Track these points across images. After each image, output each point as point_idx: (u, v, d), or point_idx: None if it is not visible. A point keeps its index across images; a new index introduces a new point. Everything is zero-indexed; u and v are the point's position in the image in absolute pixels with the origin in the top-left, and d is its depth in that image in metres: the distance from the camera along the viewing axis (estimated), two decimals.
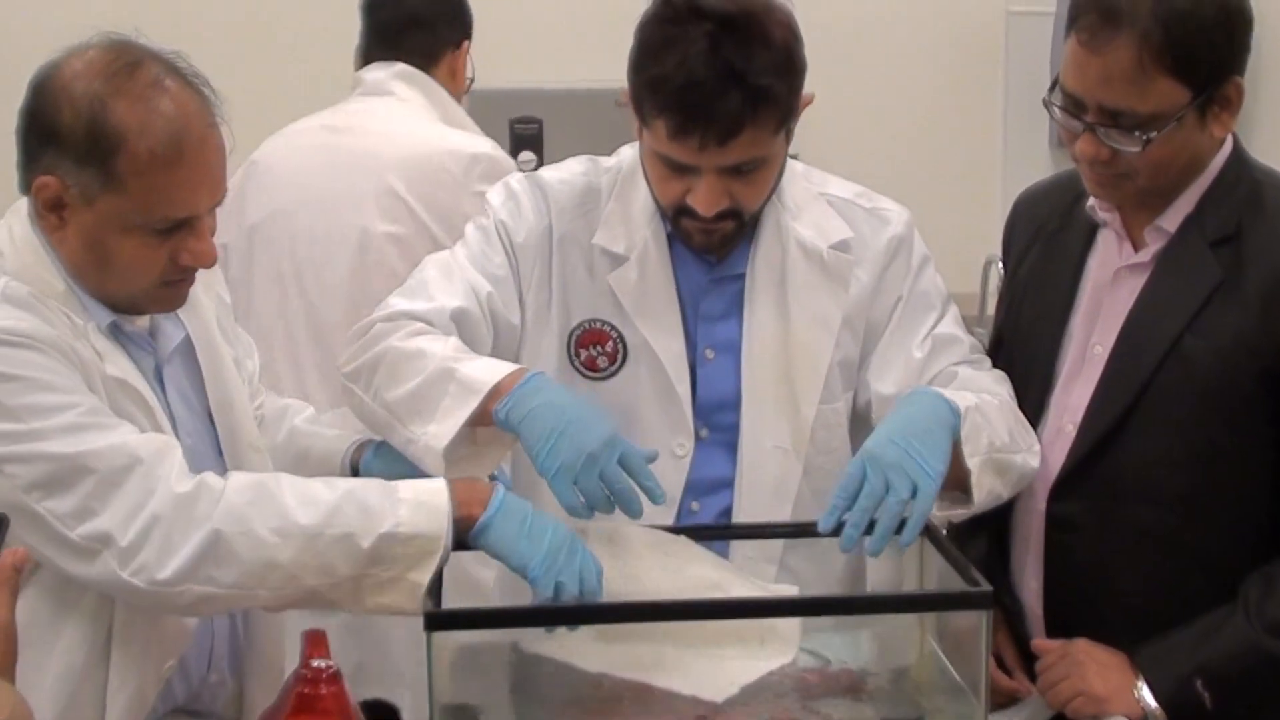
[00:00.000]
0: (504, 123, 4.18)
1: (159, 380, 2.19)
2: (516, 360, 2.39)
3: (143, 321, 2.18)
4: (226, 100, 2.10)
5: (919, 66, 4.60)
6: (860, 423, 2.44)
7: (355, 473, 2.34)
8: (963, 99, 4.71)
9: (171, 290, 2.13)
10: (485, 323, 2.35)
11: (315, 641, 2.12)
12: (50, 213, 2.04)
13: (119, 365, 2.08)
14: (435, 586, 2.02)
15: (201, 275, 2.20)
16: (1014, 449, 2.27)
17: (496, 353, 2.36)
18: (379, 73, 3.46)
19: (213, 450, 2.25)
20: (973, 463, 2.17)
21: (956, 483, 2.19)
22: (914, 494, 2.06)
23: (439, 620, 1.97)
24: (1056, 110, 2.24)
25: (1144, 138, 2.15)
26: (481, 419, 2.15)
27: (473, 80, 3.58)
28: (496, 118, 4.29)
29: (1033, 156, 4.57)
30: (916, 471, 2.08)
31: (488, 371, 2.16)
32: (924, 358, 2.39)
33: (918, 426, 2.14)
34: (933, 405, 2.19)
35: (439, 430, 2.14)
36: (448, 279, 2.35)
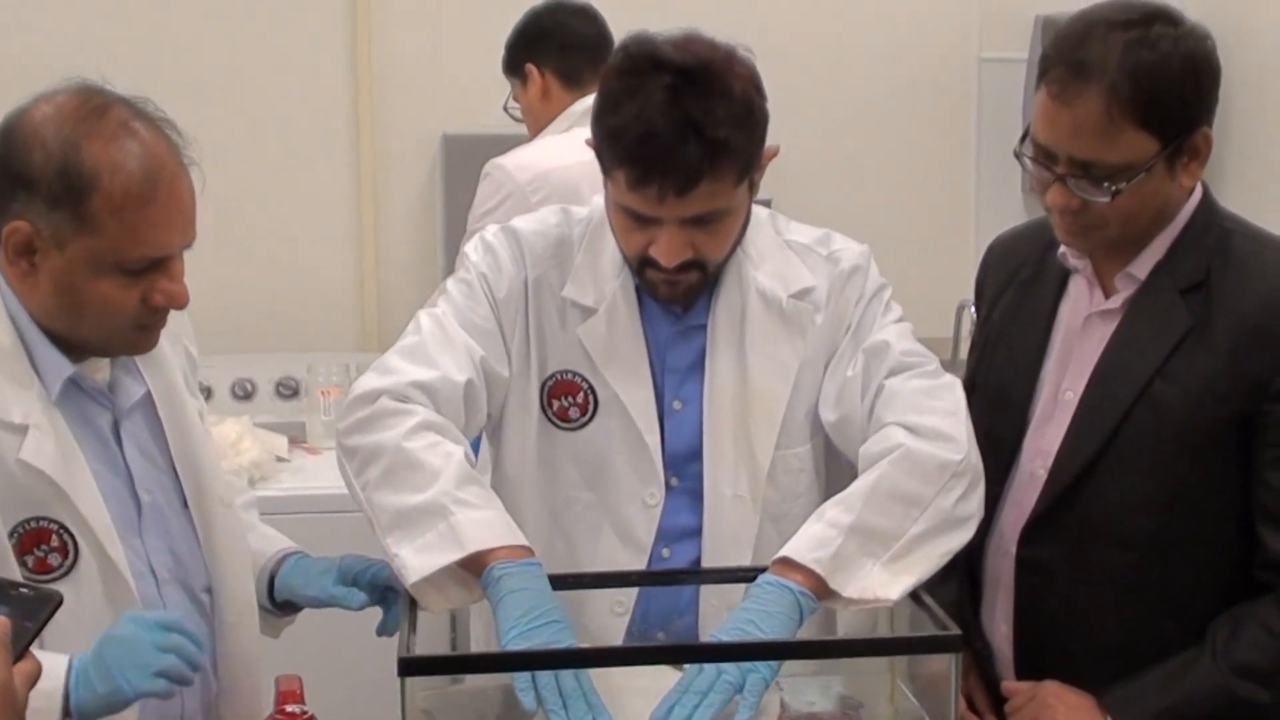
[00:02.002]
0: (478, 167, 4.18)
1: (115, 436, 2.17)
2: (502, 410, 2.41)
3: (102, 375, 2.16)
4: (197, 143, 2.11)
5: (892, 113, 4.62)
6: (833, 456, 2.45)
7: (272, 581, 2.36)
8: (935, 145, 4.73)
9: (143, 334, 2.12)
10: (483, 388, 2.35)
11: (289, 688, 2.13)
12: (20, 258, 2.04)
13: (46, 445, 2.05)
14: (409, 630, 2.03)
15: (168, 329, 2.20)
16: (925, 513, 2.20)
17: (490, 407, 2.38)
18: None
19: (177, 505, 2.24)
20: (866, 596, 2.14)
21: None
22: (743, 684, 2.02)
23: (412, 666, 1.97)
24: (1027, 161, 2.26)
25: (1113, 188, 2.17)
26: (463, 565, 2.12)
27: None
28: (471, 162, 4.30)
29: (1005, 202, 4.60)
30: (749, 670, 2.03)
31: (481, 530, 2.13)
32: (856, 375, 2.36)
33: (755, 624, 2.09)
34: (776, 600, 2.11)
35: (415, 564, 2.12)
36: (448, 343, 2.34)
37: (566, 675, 1.99)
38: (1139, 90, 2.14)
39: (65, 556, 2.07)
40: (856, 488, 2.22)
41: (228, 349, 4.30)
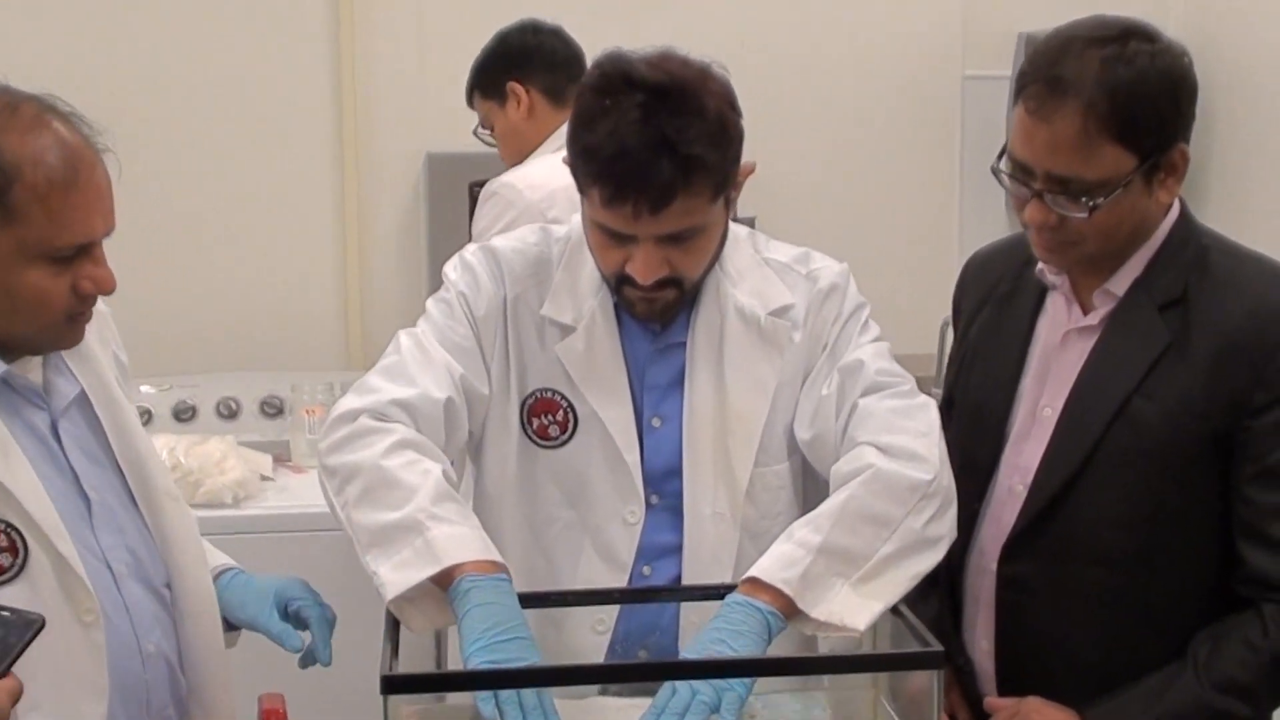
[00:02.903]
0: (463, 186, 4.20)
1: (55, 437, 2.18)
2: (483, 427, 2.41)
3: (35, 376, 2.17)
4: (108, 133, 2.14)
5: (876, 130, 4.63)
6: (811, 474, 2.45)
7: None
8: (918, 162, 4.74)
9: (72, 326, 2.14)
10: (463, 406, 2.35)
11: (273, 705, 2.14)
12: None
13: None
14: (392, 648, 2.03)
15: (96, 332, 2.23)
16: (881, 549, 2.19)
17: (471, 425, 2.38)
18: None
19: (126, 501, 2.25)
20: (834, 619, 2.13)
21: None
22: (719, 702, 2.03)
23: (396, 684, 1.97)
24: (1005, 177, 2.27)
25: (1090, 204, 2.18)
26: (438, 581, 2.13)
27: None
28: (455, 181, 4.32)
29: (988, 219, 4.60)
30: (723, 688, 2.04)
31: (457, 546, 2.13)
32: (831, 394, 2.36)
33: (726, 641, 2.09)
34: (744, 619, 2.11)
35: (392, 580, 2.12)
36: (428, 362, 2.35)
37: (528, 691, 1.99)
38: (1116, 106, 2.15)
39: (15, 555, 2.07)
40: (826, 508, 2.21)
41: (212, 368, 4.30)
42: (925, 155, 4.74)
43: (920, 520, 2.22)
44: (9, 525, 2.07)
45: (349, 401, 2.32)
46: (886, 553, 2.19)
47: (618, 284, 2.32)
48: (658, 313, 2.35)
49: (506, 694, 1.99)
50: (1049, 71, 2.19)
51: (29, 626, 1.76)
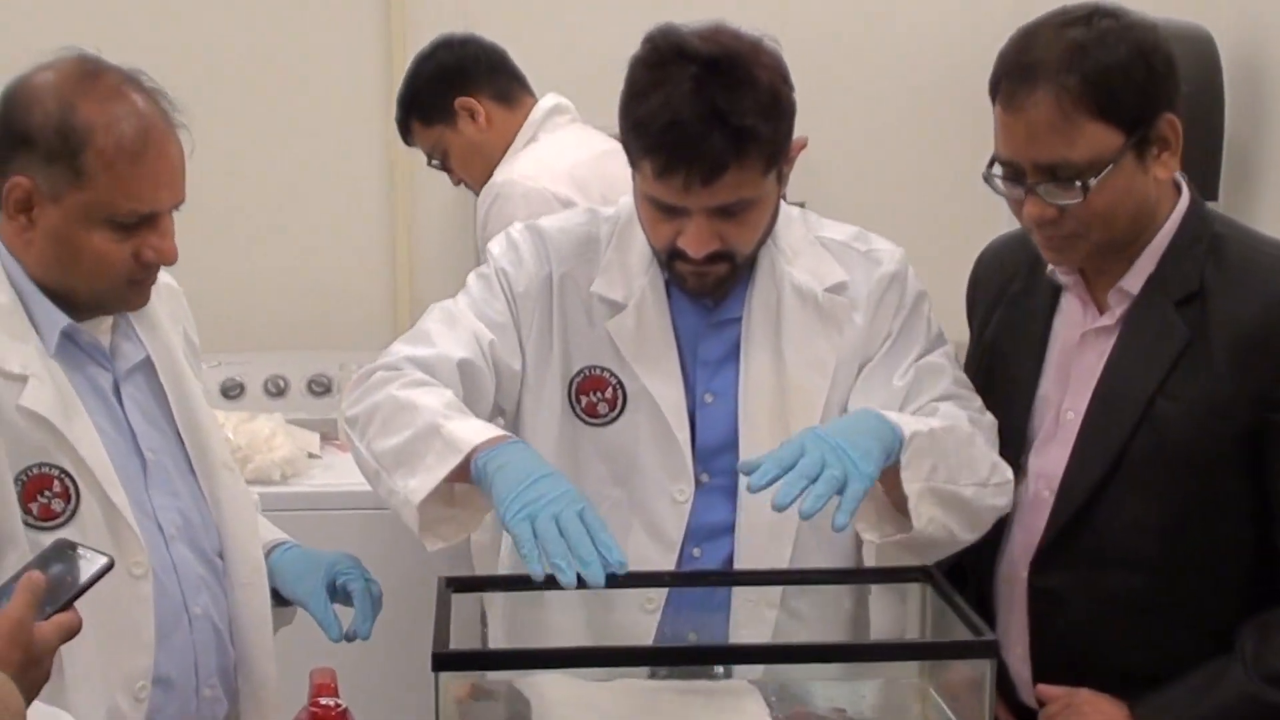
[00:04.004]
0: None
1: (117, 397, 2.23)
2: (519, 407, 2.42)
3: (103, 338, 2.23)
4: (187, 115, 2.22)
5: (923, 114, 4.59)
6: None
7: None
8: (967, 147, 4.69)
9: (135, 289, 2.20)
10: (489, 371, 2.37)
11: (323, 680, 2.15)
12: (20, 213, 2.13)
13: (45, 392, 2.11)
14: (443, 625, 2.04)
15: (168, 308, 2.32)
16: (966, 482, 2.25)
17: (499, 399, 2.39)
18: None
19: (183, 467, 2.29)
20: (911, 489, 2.18)
21: (899, 506, 2.21)
22: (844, 486, 2.06)
23: (446, 661, 1.98)
24: (998, 181, 2.25)
25: (1082, 186, 2.15)
26: (461, 477, 2.16)
27: None
28: None
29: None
30: (850, 465, 2.07)
31: (473, 432, 2.17)
32: (905, 386, 2.38)
33: (854, 431, 2.15)
34: (872, 422, 2.20)
35: (418, 485, 2.16)
36: (450, 327, 2.38)
37: (570, 518, 2.02)
38: (1088, 82, 2.12)
39: (67, 502, 2.13)
40: (939, 421, 2.27)
41: (261, 346, 4.32)
42: (974, 140, 4.70)
43: (985, 501, 2.27)
44: (63, 472, 2.12)
45: (367, 366, 2.37)
46: (960, 494, 2.24)
47: (669, 258, 2.32)
48: (709, 287, 2.35)
49: (545, 527, 2.01)
50: (1017, 61, 2.18)
51: (95, 564, 1.79)
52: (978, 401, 2.40)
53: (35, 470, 2.11)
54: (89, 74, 2.14)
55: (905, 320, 2.42)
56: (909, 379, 2.38)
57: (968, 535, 2.29)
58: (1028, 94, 2.14)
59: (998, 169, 2.24)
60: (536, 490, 2.06)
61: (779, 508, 2.04)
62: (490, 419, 2.38)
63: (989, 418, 2.37)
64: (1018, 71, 2.17)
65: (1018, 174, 2.20)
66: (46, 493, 2.12)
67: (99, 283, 2.16)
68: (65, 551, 1.80)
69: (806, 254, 2.43)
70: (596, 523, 2.04)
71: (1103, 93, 2.13)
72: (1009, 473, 2.31)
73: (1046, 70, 2.13)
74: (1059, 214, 2.19)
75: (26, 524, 2.10)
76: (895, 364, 2.40)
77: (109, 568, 1.79)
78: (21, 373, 2.11)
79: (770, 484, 2.05)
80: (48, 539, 2.02)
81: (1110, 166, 2.15)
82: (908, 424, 2.21)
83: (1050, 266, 2.35)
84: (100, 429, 2.18)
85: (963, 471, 2.25)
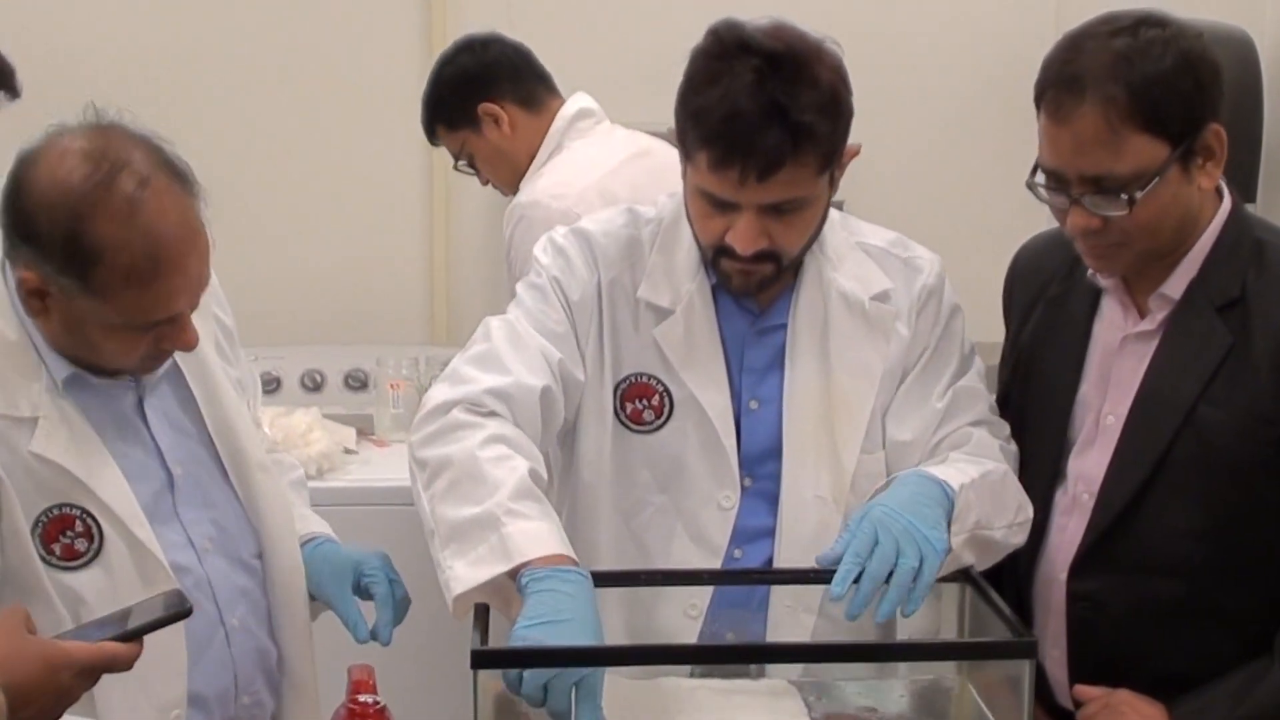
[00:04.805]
0: None
1: (141, 414, 2.21)
2: (577, 416, 2.40)
3: None
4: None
5: (967, 116, 4.58)
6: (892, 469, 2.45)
7: None
8: (1010, 149, 4.68)
9: (153, 363, 2.17)
10: (561, 394, 2.34)
11: (361, 677, 2.15)
12: (33, 298, 2.07)
13: (58, 435, 2.09)
14: (482, 623, 2.04)
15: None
16: (999, 525, 2.27)
17: (566, 412, 2.36)
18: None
19: (216, 473, 2.28)
20: (956, 541, 2.17)
21: None
22: (920, 565, 2.07)
23: (485, 659, 1.98)
24: (1041, 190, 2.24)
25: (1128, 199, 2.14)
26: (510, 574, 2.10)
27: None
28: None
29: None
30: (924, 543, 2.09)
31: (529, 540, 2.09)
32: (943, 408, 2.39)
33: (919, 503, 2.15)
34: (929, 488, 2.19)
35: (462, 575, 2.11)
36: (518, 348, 2.33)
37: (559, 689, 1.94)
38: (1135, 94, 2.11)
39: (91, 541, 2.11)
40: (976, 464, 2.27)
41: (297, 340, 4.32)
42: (1017, 143, 4.69)
43: (1009, 540, 2.30)
44: (85, 512, 2.10)
45: (441, 393, 2.30)
46: (992, 538, 2.23)
47: (715, 255, 2.31)
48: (754, 287, 2.34)
49: (531, 690, 1.94)
50: (1063, 72, 2.16)
51: (176, 608, 1.82)
52: (1006, 430, 2.42)
53: (56, 511, 2.09)
54: (100, 183, 2.00)
55: (941, 335, 2.43)
56: (947, 401, 2.39)
57: (981, 567, 2.29)
58: (1074, 105, 2.13)
59: (1041, 177, 2.23)
60: (552, 634, 1.98)
61: (850, 618, 2.05)
62: (558, 434, 2.39)
63: (1014, 447, 2.40)
64: (1064, 82, 2.16)
65: (1062, 183, 2.19)
66: (69, 533, 2.10)
67: (116, 364, 2.14)
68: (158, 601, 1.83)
69: (850, 260, 2.43)
70: (590, 690, 1.96)
71: (1149, 106, 2.12)
72: (1030, 510, 2.33)
73: (1094, 82, 2.12)
74: (1104, 224, 2.18)
75: (49, 564, 2.08)
76: (931, 382, 2.41)
77: (185, 615, 1.81)
78: (32, 415, 2.09)
79: (850, 586, 2.05)
80: (72, 580, 2.04)
81: (1156, 179, 2.14)
82: (953, 477, 2.21)
83: (1090, 270, 2.34)
84: (123, 455, 2.16)
85: (997, 515, 2.26)
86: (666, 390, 2.38)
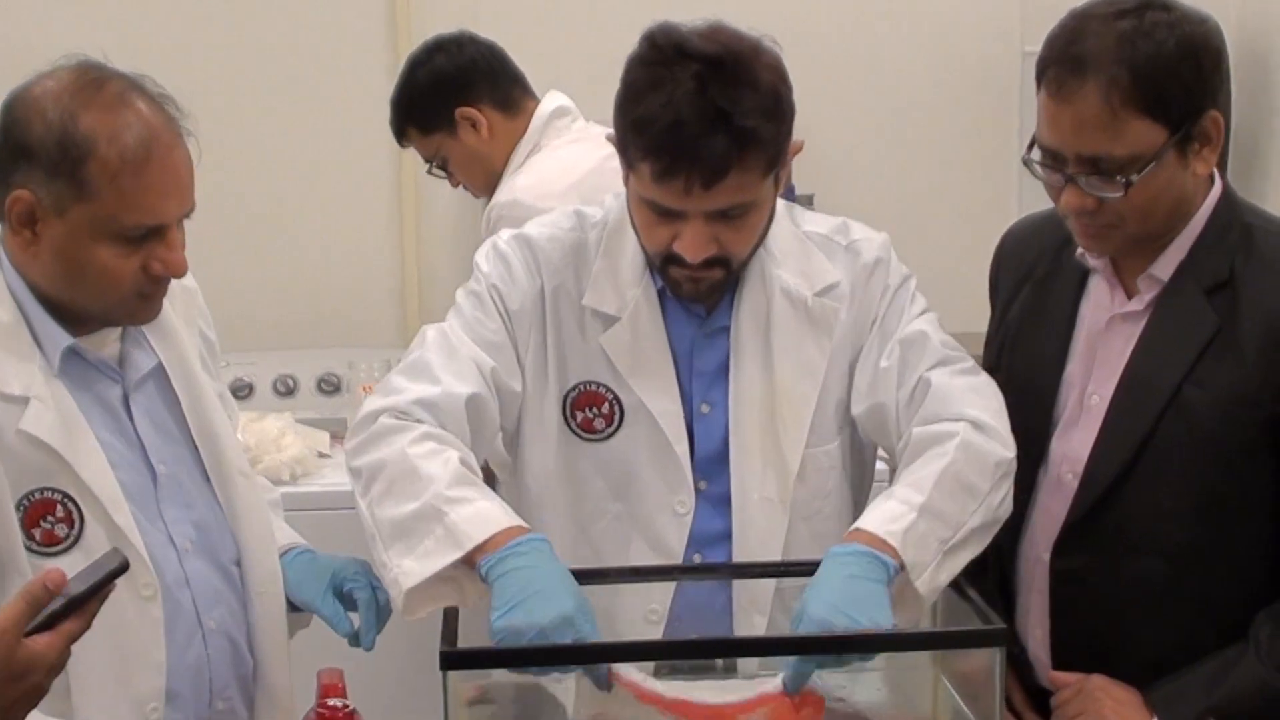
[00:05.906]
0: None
1: (127, 410, 2.21)
2: (518, 425, 2.38)
3: (110, 350, 2.20)
4: (193, 118, 2.17)
5: (933, 107, 4.59)
6: (856, 450, 2.44)
7: None
8: (977, 139, 4.70)
9: (144, 303, 2.16)
10: (493, 400, 2.32)
11: (331, 681, 2.14)
12: (24, 228, 2.09)
13: (47, 415, 2.08)
14: (451, 624, 2.03)
15: (181, 308, 2.27)
16: (971, 511, 2.19)
17: (503, 421, 2.34)
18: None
19: (198, 476, 2.27)
20: (921, 583, 2.11)
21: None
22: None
23: (454, 660, 1.97)
24: (1037, 167, 2.24)
25: (1124, 181, 2.15)
26: (463, 560, 2.09)
27: None
28: None
29: (1047, 196, 4.56)
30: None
31: (476, 524, 2.08)
32: (892, 365, 2.34)
33: (855, 589, 2.05)
34: (864, 565, 2.07)
35: (412, 570, 2.09)
36: (450, 357, 2.31)
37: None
38: (1138, 78, 2.12)
39: (71, 527, 2.10)
40: (925, 471, 2.19)
41: (269, 345, 4.31)
42: (984, 132, 4.70)
43: (998, 497, 2.22)
44: (66, 496, 2.10)
45: (371, 403, 2.29)
46: (973, 525, 2.18)
47: (663, 263, 2.28)
48: (703, 293, 2.32)
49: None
50: (1066, 51, 2.17)
51: (111, 565, 1.72)
52: (968, 360, 2.36)
53: (37, 495, 2.09)
54: (91, 83, 2.09)
55: (891, 301, 2.39)
56: (895, 357, 2.34)
57: (986, 543, 2.25)
58: (1076, 86, 2.14)
59: (1037, 154, 2.23)
60: (524, 612, 1.98)
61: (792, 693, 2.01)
62: (493, 443, 2.37)
63: (984, 375, 2.35)
64: (1067, 61, 2.16)
65: (1059, 162, 2.20)
66: (49, 518, 2.09)
67: (106, 297, 2.13)
68: (101, 563, 1.73)
69: (795, 254, 2.40)
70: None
71: (1151, 90, 2.12)
72: (1011, 450, 2.25)
73: (1096, 63, 2.13)
74: (1098, 205, 2.19)
75: (29, 549, 2.07)
76: (883, 345, 2.37)
77: (123, 569, 1.72)
78: (23, 395, 2.09)
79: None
80: (51, 565, 2.01)
81: (1153, 163, 2.15)
82: (893, 526, 2.12)
83: (1079, 250, 2.34)
84: (108, 445, 2.16)
85: (965, 509, 2.18)
86: (616, 398, 2.36)
